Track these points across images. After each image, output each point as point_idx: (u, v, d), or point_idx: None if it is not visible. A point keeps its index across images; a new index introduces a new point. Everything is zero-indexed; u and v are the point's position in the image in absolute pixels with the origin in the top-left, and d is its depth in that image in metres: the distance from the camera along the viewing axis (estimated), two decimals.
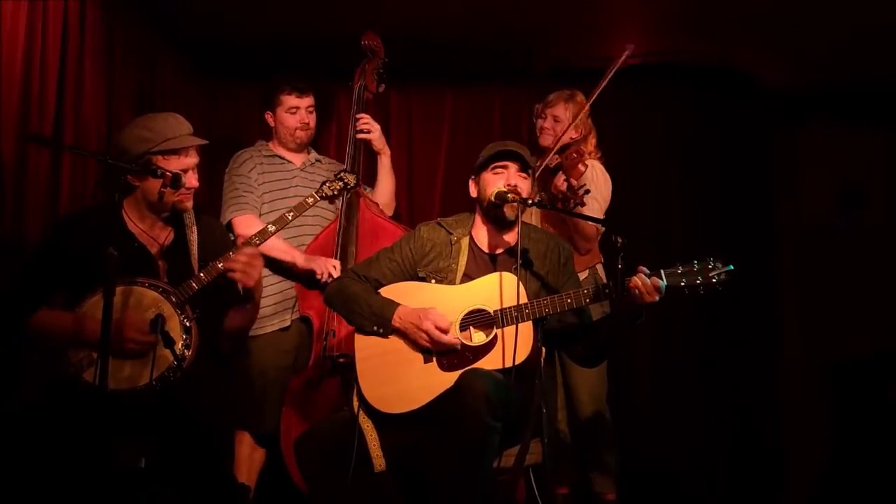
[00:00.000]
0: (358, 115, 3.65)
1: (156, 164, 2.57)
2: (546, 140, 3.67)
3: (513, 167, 2.75)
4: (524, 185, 2.75)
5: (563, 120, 3.64)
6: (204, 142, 2.68)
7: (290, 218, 2.75)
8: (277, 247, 3.42)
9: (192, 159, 2.66)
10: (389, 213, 3.75)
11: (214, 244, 2.76)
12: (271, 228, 2.71)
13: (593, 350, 2.78)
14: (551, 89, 3.76)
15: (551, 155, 3.55)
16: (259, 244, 2.71)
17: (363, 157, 3.65)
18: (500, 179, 2.74)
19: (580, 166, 3.31)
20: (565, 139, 3.59)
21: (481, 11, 3.90)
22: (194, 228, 2.77)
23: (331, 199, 2.89)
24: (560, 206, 3.36)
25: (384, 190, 3.75)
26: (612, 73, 3.54)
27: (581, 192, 3.26)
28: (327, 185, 2.85)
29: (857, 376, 4.69)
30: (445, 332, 2.60)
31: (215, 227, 2.89)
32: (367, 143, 3.66)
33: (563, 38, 4.30)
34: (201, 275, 2.61)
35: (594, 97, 3.59)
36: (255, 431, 3.53)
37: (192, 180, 2.66)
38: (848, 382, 4.71)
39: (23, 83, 3.02)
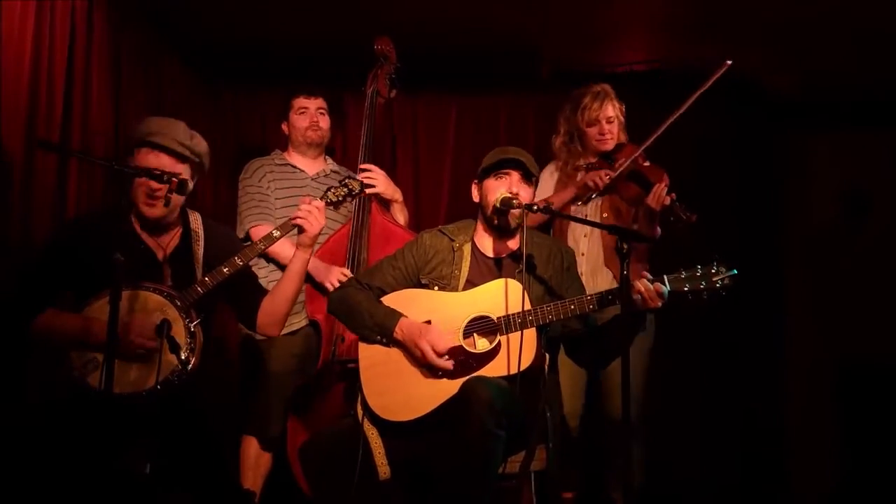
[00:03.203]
0: (362, 167, 3.54)
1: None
2: (608, 144, 3.58)
3: (515, 175, 2.76)
4: (525, 193, 2.76)
5: (615, 118, 3.60)
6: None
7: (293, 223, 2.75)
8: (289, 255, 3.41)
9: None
10: None
11: (220, 249, 2.76)
12: (276, 234, 2.71)
13: (600, 353, 2.77)
14: (556, 95, 3.74)
15: (625, 161, 3.45)
16: (264, 249, 2.72)
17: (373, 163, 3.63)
18: (503, 186, 2.75)
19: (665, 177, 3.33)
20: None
21: (486, 18, 3.90)
22: (201, 233, 2.77)
23: (335, 205, 2.85)
24: (635, 219, 3.48)
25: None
26: (708, 85, 3.39)
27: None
28: (332, 191, 2.83)
29: (863, 381, 4.68)
30: (441, 353, 2.59)
31: (221, 232, 2.90)
32: (379, 195, 3.56)
33: (570, 44, 4.30)
34: (206, 279, 2.62)
35: (684, 108, 3.44)
36: (260, 436, 3.53)
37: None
38: (854, 387, 4.69)
39: (30, 88, 3.03)
